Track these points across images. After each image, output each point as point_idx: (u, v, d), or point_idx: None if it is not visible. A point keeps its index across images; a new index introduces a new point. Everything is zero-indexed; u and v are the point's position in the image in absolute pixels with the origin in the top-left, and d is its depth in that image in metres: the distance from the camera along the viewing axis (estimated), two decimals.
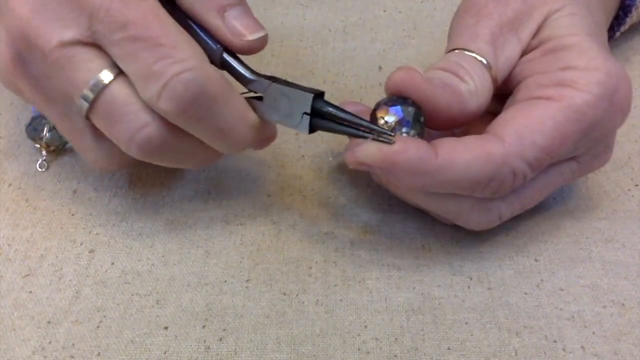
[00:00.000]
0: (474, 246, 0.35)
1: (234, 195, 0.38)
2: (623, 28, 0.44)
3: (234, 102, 0.31)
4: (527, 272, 0.34)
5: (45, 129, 0.39)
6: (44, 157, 0.40)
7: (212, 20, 0.32)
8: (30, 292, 0.33)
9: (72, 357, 0.30)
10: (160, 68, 0.29)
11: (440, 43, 0.49)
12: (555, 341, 0.31)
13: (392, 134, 0.30)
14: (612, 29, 0.44)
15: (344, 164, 0.39)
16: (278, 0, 0.53)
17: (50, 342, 0.31)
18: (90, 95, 0.30)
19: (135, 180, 0.39)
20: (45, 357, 0.30)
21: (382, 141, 0.30)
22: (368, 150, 0.30)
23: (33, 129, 0.40)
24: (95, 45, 0.30)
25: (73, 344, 0.31)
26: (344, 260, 0.35)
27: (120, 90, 0.30)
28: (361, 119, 0.30)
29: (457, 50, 0.33)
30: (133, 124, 0.30)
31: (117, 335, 0.31)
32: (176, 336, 0.31)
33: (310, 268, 0.34)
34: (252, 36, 0.32)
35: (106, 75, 0.30)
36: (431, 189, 0.31)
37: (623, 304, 0.32)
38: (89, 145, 0.33)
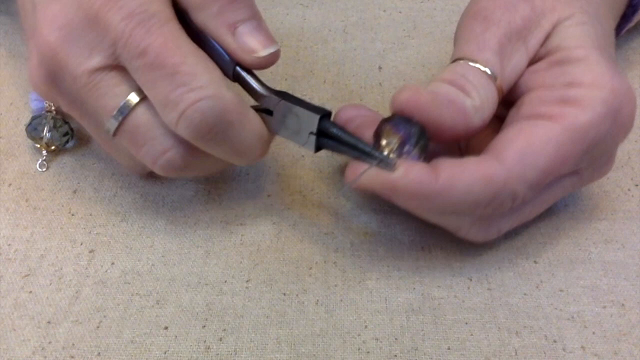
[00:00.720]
0: (473, 248, 0.35)
1: (234, 195, 0.38)
2: (629, 26, 0.44)
3: (250, 124, 0.32)
4: (526, 273, 0.34)
5: (46, 129, 0.39)
6: (44, 157, 0.40)
7: (224, 37, 0.32)
8: (30, 292, 0.33)
9: (72, 357, 0.30)
10: (177, 97, 0.30)
11: (440, 43, 0.49)
12: (555, 341, 0.31)
13: (393, 161, 0.30)
14: (618, 27, 0.44)
15: (345, 165, 0.39)
16: (278, 0, 0.53)
17: (50, 342, 0.31)
18: (117, 119, 0.32)
19: (135, 180, 0.39)
20: (45, 357, 0.30)
21: (382, 167, 0.30)
22: (369, 175, 0.30)
23: (33, 129, 0.40)
24: (121, 67, 0.31)
25: (73, 344, 0.31)
26: (344, 260, 0.35)
27: (144, 115, 0.32)
28: (364, 142, 0.31)
29: (462, 61, 0.33)
30: (156, 148, 0.32)
31: (117, 335, 0.31)
32: (176, 336, 0.31)
33: (310, 268, 0.34)
34: (262, 52, 0.32)
35: (131, 100, 0.31)
36: (431, 210, 0.31)
37: (623, 305, 0.33)
38: (123, 156, 0.35)
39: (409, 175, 0.29)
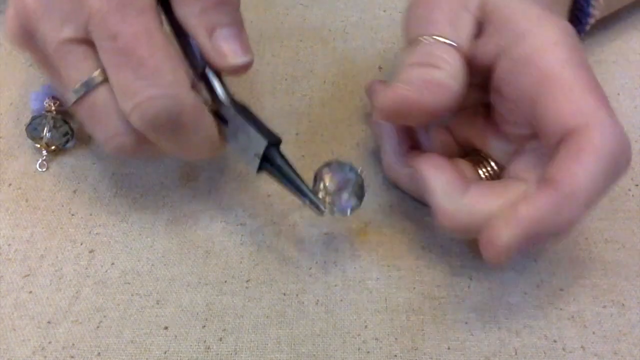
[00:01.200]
0: (473, 246, 0.35)
1: (234, 195, 0.38)
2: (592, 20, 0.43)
3: (202, 129, 0.32)
4: (527, 272, 0.34)
5: (45, 129, 0.39)
6: (44, 157, 0.40)
7: (201, 37, 0.32)
8: (30, 292, 0.33)
9: (72, 357, 0.30)
10: (137, 88, 0.30)
11: None
12: (555, 341, 0.31)
13: (324, 208, 0.31)
14: (580, 22, 0.43)
15: None
16: (278, 0, 0.53)
17: (50, 342, 0.31)
18: (78, 94, 0.32)
19: (135, 180, 0.39)
20: (45, 357, 0.31)
21: (312, 208, 0.31)
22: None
23: (33, 129, 0.40)
24: (92, 43, 0.31)
25: (73, 344, 0.31)
26: (344, 260, 0.35)
27: (102, 95, 0.32)
28: (302, 181, 0.32)
29: (422, 38, 0.33)
30: (109, 129, 0.32)
31: (117, 335, 0.31)
32: (176, 336, 0.31)
33: (310, 268, 0.34)
34: (234, 60, 0.32)
35: (93, 79, 0.31)
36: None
37: (623, 304, 0.33)
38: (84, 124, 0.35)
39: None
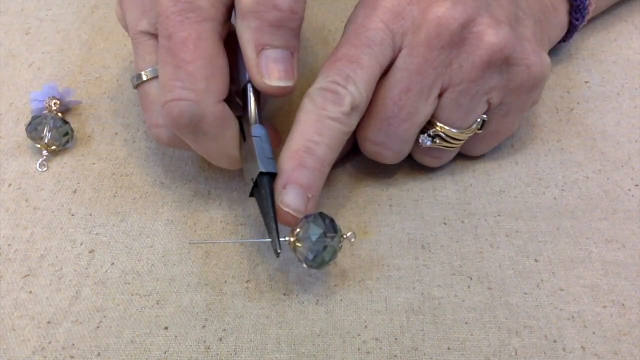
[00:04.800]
0: (473, 246, 0.35)
1: (234, 195, 0.38)
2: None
3: (222, 140, 0.33)
4: (527, 272, 0.34)
5: (46, 129, 0.39)
6: (44, 157, 0.40)
7: (248, 52, 0.33)
8: (30, 292, 0.33)
9: (72, 357, 0.31)
10: (171, 86, 0.32)
11: None
12: (555, 341, 0.31)
13: (279, 250, 0.31)
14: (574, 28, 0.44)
15: (345, 165, 0.39)
16: None
17: (50, 342, 0.31)
18: (138, 80, 0.35)
19: (135, 180, 0.39)
20: (45, 357, 0.31)
21: (273, 248, 0.31)
22: None
23: (33, 129, 0.40)
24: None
25: (73, 344, 0.31)
26: (343, 260, 0.35)
27: (153, 88, 0.35)
28: (274, 218, 0.32)
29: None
30: (152, 119, 0.35)
31: (117, 335, 0.31)
32: (176, 336, 0.31)
33: None
34: (273, 81, 0.33)
35: (151, 72, 0.35)
36: None
37: (623, 304, 0.33)
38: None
39: None
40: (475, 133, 0.37)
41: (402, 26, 0.34)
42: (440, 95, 0.35)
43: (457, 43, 0.34)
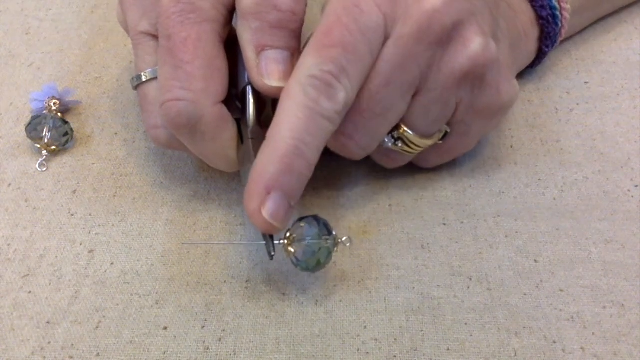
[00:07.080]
0: (473, 246, 0.35)
1: (234, 195, 0.38)
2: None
3: (219, 141, 0.33)
4: (526, 272, 0.34)
5: (45, 129, 0.39)
6: (44, 157, 0.40)
7: (248, 52, 0.33)
8: (30, 292, 0.33)
9: (72, 357, 0.30)
10: (170, 86, 0.32)
11: None
12: (554, 342, 0.31)
13: (273, 252, 0.31)
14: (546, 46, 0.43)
15: (344, 164, 0.39)
16: None
17: (49, 343, 0.31)
18: (137, 80, 0.35)
19: (135, 180, 0.39)
20: (45, 357, 0.31)
21: (267, 250, 0.31)
22: None
23: (33, 129, 0.40)
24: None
25: (72, 344, 0.31)
26: (343, 260, 0.34)
27: (153, 90, 0.35)
28: None
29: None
30: (150, 120, 0.35)
31: (117, 335, 0.31)
32: (175, 336, 0.31)
33: None
34: (273, 82, 0.32)
35: (150, 72, 0.35)
36: None
37: (623, 305, 0.32)
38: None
39: None
40: (436, 143, 0.36)
41: (394, 12, 0.31)
42: (412, 97, 0.33)
43: (444, 42, 0.32)
